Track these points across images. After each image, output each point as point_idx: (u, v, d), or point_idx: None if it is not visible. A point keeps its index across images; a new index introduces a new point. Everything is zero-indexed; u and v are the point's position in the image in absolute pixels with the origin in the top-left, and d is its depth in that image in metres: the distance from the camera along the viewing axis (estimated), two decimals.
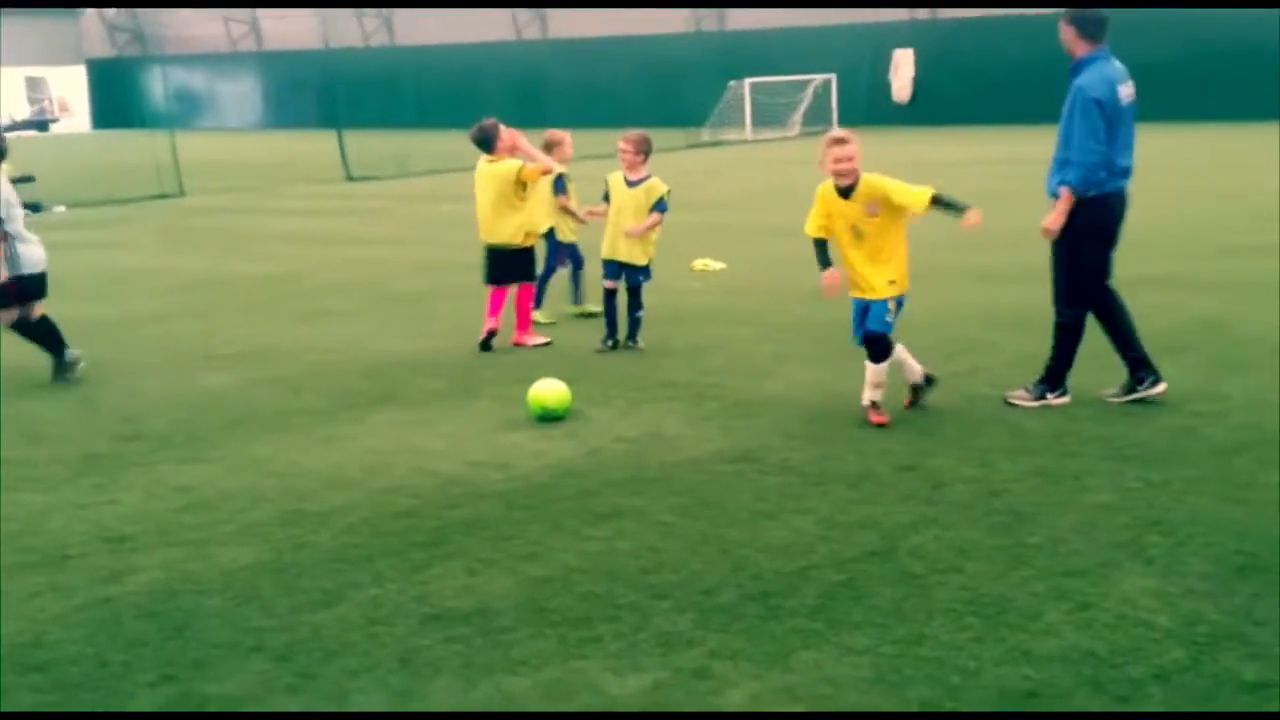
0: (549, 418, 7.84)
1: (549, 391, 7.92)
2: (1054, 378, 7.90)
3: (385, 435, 7.70)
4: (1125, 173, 7.70)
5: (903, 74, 47.82)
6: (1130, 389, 7.84)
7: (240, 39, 68.50)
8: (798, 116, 44.99)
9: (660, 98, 49.00)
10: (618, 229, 9.87)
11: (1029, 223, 15.59)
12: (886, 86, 47.91)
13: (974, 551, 5.51)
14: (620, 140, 10.01)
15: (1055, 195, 7.68)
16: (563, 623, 4.92)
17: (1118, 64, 7.68)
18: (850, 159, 7.50)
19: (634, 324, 9.95)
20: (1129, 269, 12.94)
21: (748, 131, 43.45)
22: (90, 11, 72.24)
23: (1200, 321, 9.55)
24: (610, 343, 9.93)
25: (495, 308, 10.12)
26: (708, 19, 53.50)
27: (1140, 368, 7.85)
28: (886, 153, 30.47)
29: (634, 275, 9.92)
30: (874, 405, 7.64)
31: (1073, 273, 7.80)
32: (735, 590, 5.18)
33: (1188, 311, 10.48)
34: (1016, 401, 7.89)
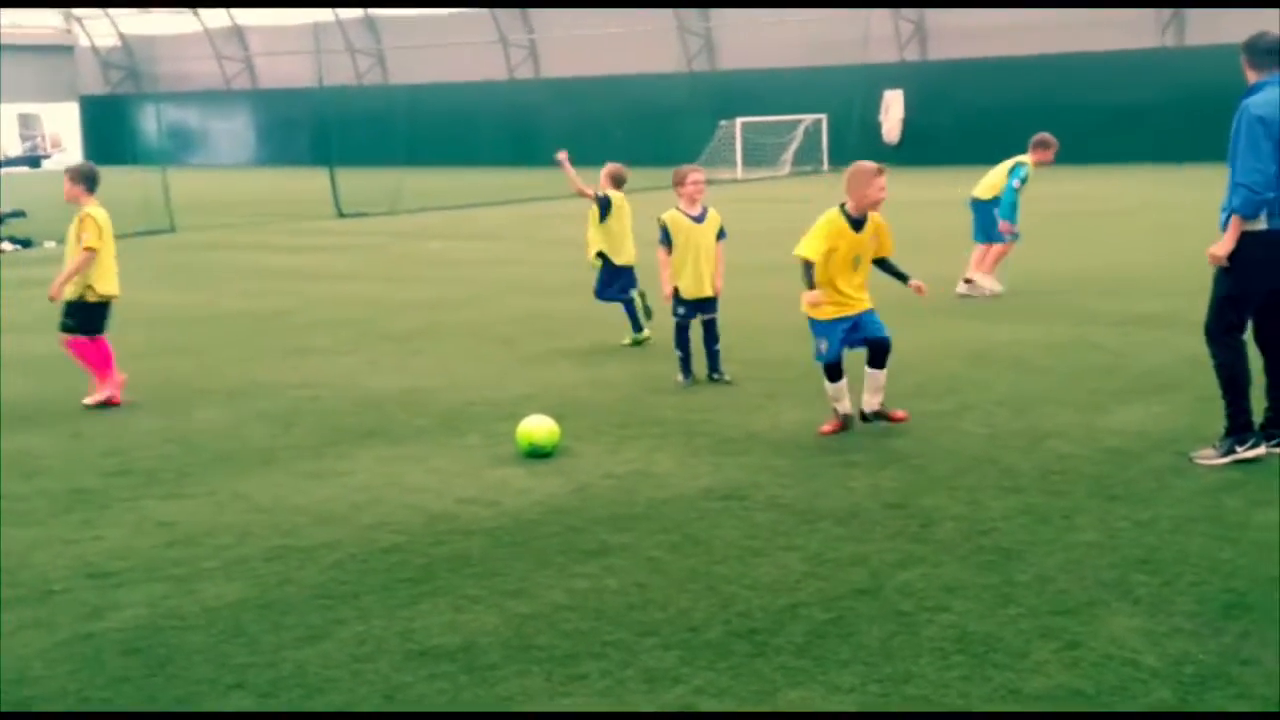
0: (537, 454, 7.82)
1: (537, 428, 7.91)
2: (1237, 427, 7.28)
3: (373, 471, 7.68)
4: None
5: (893, 115, 48.08)
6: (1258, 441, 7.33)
7: (234, 77, 68.75)
8: (788, 156, 45.20)
9: (652, 137, 49.20)
10: (699, 267, 9.92)
11: (1015, 261, 15.68)
12: (877, 127, 48.17)
13: (962, 589, 5.49)
14: (693, 174, 9.99)
15: (1225, 229, 7.21)
16: (549, 660, 4.89)
17: None
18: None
19: (718, 355, 10.02)
20: (1117, 306, 13.06)
21: (739, 170, 43.65)
22: (85, 48, 72.47)
23: (1188, 359, 9.55)
24: (690, 379, 9.94)
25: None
26: (699, 59, 53.84)
27: (1276, 424, 7.39)
28: None
29: (714, 307, 10.06)
30: (881, 407, 8.33)
31: (1220, 308, 7.32)
32: (722, 627, 5.16)
33: (1176, 349, 10.51)
34: (1203, 462, 7.26)
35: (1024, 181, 14.01)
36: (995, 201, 14.14)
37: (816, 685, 4.61)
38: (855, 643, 4.97)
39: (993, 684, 4.58)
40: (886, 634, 5.04)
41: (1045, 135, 14.32)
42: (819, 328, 8.22)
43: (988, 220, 14.15)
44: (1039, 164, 14.16)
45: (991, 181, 14.26)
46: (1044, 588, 5.49)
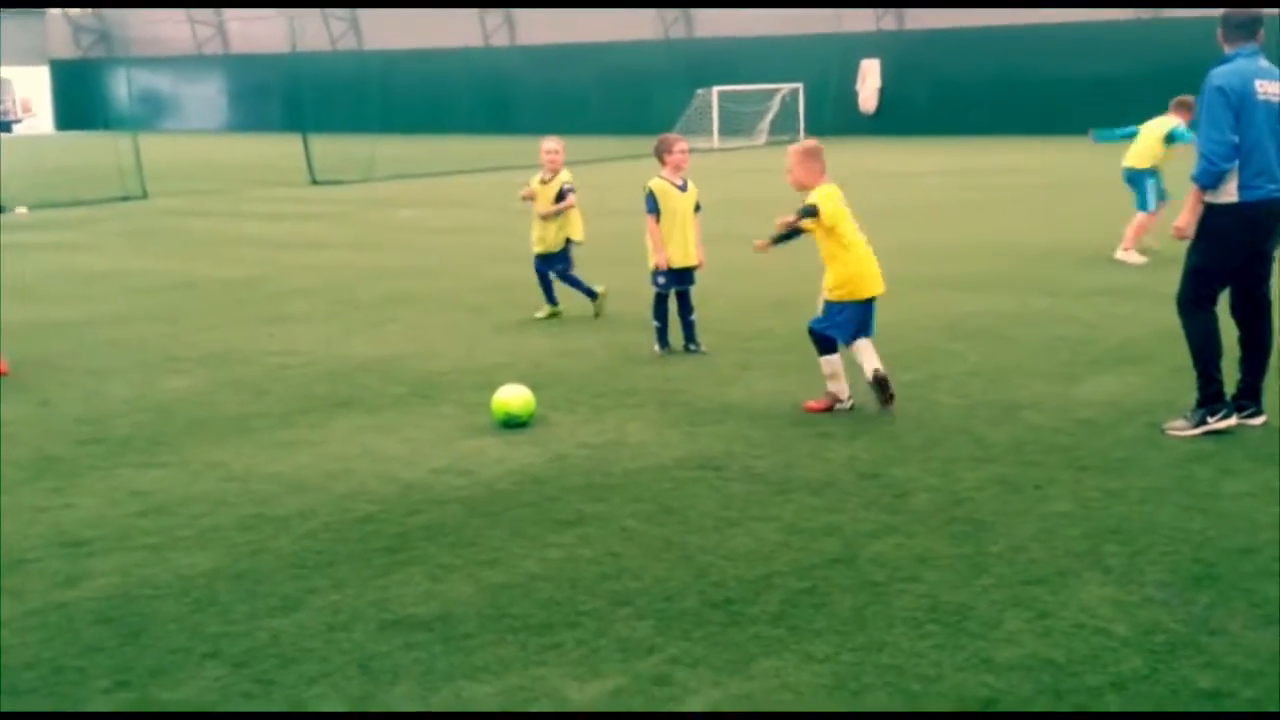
0: (513, 424, 7.81)
1: (513, 397, 7.90)
2: (1208, 398, 7.32)
3: (347, 440, 7.66)
4: (1268, 176, 7.15)
5: (869, 84, 48.01)
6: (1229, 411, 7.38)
7: (206, 41, 68.10)
8: (764, 125, 45.12)
9: (628, 105, 49.04)
10: (686, 235, 9.91)
11: (991, 232, 15.74)
12: (853, 97, 48.11)
13: (935, 559, 5.53)
14: (679, 143, 9.98)
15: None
16: (524, 629, 4.90)
17: (1264, 62, 7.26)
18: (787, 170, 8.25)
19: (694, 326, 10.03)
20: (1091, 278, 13.10)
21: (715, 140, 43.51)
22: (56, 12, 71.61)
23: (1161, 331, 9.61)
24: (666, 349, 9.95)
25: None
26: (676, 26, 53.60)
27: (1248, 395, 7.48)
28: (853, 162, 30.59)
29: (694, 278, 10.07)
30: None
31: (1192, 280, 7.39)
32: (697, 597, 5.18)
33: (1148, 321, 10.56)
34: (1175, 433, 7.29)
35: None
36: (1150, 171, 14.32)
37: (791, 654, 4.64)
38: (829, 612, 4.99)
39: (965, 653, 4.62)
40: (860, 603, 5.07)
41: (1187, 97, 14.12)
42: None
43: (1145, 188, 14.34)
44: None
45: (1143, 150, 14.41)
46: (1016, 558, 5.53)
